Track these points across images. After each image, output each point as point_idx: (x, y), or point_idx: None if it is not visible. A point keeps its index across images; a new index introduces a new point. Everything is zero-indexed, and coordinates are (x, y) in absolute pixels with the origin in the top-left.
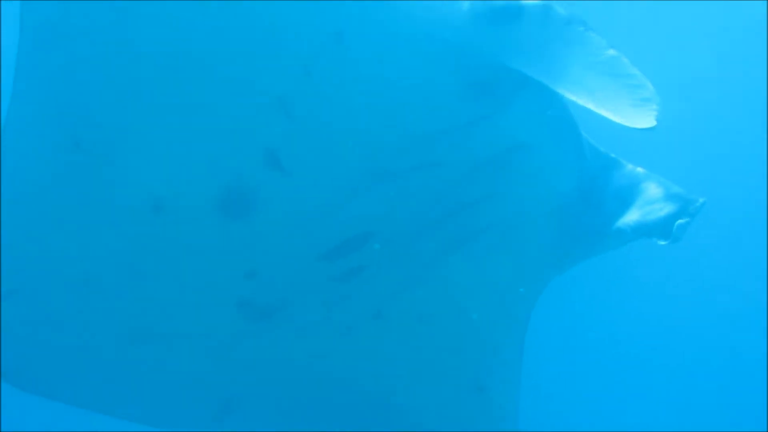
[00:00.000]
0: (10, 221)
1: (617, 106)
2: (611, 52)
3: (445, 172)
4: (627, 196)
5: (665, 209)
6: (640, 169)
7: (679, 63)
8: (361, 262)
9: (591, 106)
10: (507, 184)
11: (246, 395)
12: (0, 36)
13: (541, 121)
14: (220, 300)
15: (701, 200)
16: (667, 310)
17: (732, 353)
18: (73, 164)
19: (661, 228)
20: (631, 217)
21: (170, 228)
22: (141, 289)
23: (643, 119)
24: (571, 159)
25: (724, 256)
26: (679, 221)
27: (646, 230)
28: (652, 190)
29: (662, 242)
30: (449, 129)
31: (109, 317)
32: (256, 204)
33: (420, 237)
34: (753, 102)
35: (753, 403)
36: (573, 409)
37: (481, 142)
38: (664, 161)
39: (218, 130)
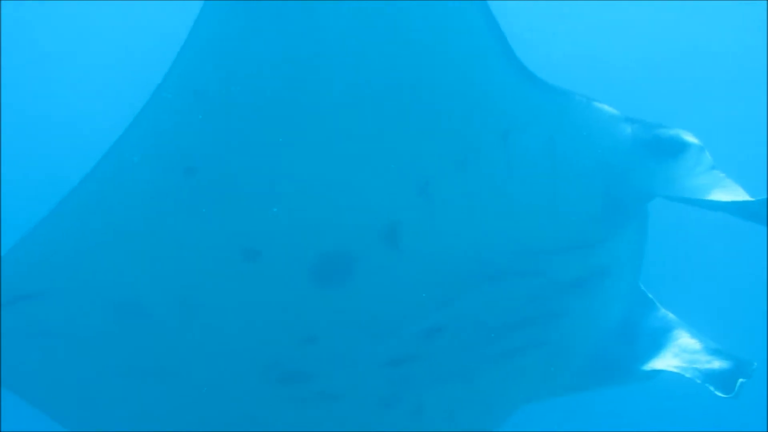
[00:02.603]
0: (88, 217)
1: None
2: (743, 195)
3: (541, 282)
4: (659, 339)
5: (715, 363)
6: (671, 315)
7: (679, 62)
8: (419, 352)
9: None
10: (579, 306)
11: None
12: (0, 36)
13: (631, 252)
14: (260, 356)
15: (755, 363)
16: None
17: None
18: (180, 188)
19: (721, 383)
20: (669, 362)
21: (253, 278)
22: (189, 326)
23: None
24: (631, 292)
25: (723, 254)
26: (741, 380)
27: (703, 379)
28: (686, 338)
29: (721, 394)
30: (570, 245)
31: (143, 345)
32: (352, 275)
33: (484, 340)
34: (753, 103)
35: (753, 403)
36: (572, 407)
37: (586, 262)
38: None
39: (345, 191)
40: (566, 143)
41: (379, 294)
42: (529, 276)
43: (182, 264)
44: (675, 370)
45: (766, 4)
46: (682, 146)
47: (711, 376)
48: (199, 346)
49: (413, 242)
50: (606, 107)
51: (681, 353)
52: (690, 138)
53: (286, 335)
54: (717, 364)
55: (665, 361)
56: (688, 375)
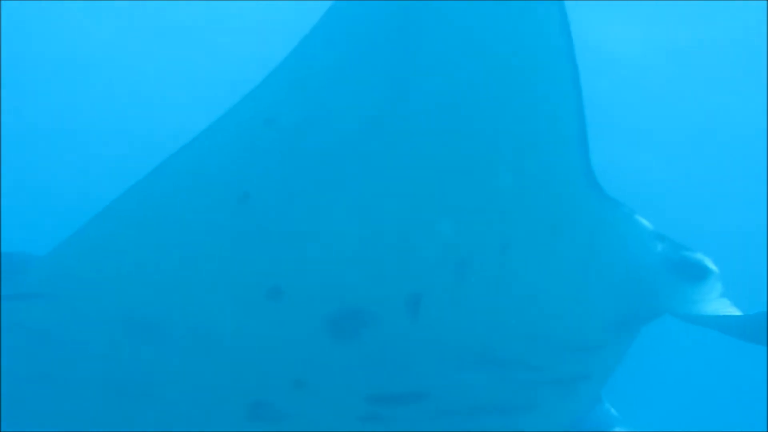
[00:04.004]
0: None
1: None
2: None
3: (534, 376)
4: None
5: None
6: (614, 411)
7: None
8: (394, 414)
9: None
10: (555, 402)
11: None
12: (0, 36)
13: (614, 359)
14: (249, 392)
15: None
16: None
17: (732, 351)
18: (228, 214)
19: None
20: None
21: (269, 317)
22: (195, 353)
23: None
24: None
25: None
26: None
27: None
28: None
29: None
30: (576, 347)
31: (146, 366)
32: (364, 332)
33: (459, 417)
34: (753, 103)
35: (753, 402)
36: None
37: (580, 364)
38: None
39: (386, 252)
40: (604, 250)
41: (381, 354)
42: (527, 369)
43: (208, 289)
44: None
45: (766, 4)
46: (704, 272)
47: None
48: (196, 375)
49: (433, 314)
50: (645, 222)
51: None
52: (711, 265)
53: (281, 376)
54: None
55: None
56: None
